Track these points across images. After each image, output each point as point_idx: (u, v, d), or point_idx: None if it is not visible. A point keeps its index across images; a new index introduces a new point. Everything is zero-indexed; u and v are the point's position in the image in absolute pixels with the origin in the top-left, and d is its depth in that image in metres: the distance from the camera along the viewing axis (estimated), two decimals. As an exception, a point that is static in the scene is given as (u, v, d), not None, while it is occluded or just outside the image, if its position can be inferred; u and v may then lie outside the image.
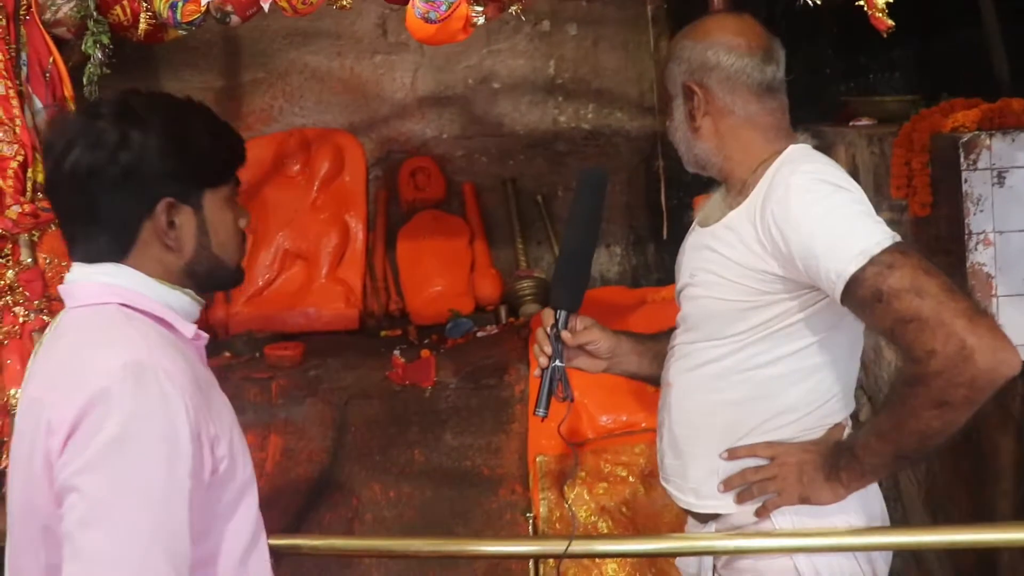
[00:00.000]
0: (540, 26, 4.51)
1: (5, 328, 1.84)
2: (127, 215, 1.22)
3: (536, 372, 1.60)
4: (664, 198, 4.02)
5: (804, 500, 1.52)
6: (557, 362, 1.59)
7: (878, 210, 1.50)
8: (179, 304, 1.27)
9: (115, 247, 1.23)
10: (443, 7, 1.56)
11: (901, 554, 2.62)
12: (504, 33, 4.51)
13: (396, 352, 3.81)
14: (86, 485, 1.08)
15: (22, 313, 1.87)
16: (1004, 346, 1.29)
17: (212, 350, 3.95)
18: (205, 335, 1.33)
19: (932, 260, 1.43)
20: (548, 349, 1.60)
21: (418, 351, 3.83)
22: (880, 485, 1.64)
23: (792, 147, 1.57)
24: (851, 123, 3.40)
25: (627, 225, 4.59)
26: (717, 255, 1.56)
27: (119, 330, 1.17)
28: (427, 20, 1.58)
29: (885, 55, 4.24)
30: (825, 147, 3.52)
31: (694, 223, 1.72)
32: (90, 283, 1.23)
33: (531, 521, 3.01)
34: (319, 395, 3.66)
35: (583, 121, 4.63)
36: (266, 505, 3.17)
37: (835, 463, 1.49)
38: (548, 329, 1.60)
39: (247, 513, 1.27)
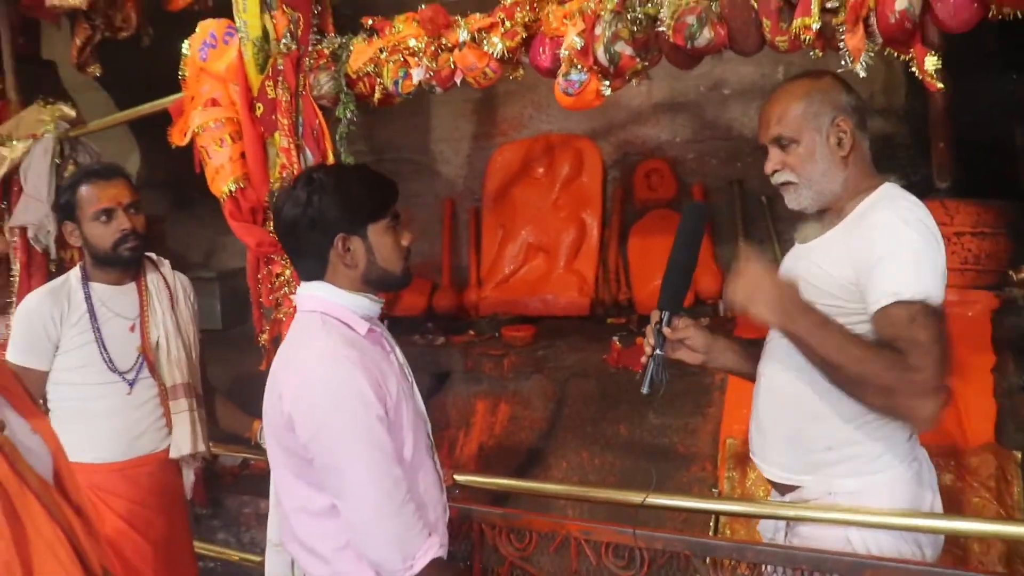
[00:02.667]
0: (768, 35, 4.71)
1: (284, 309, 2.59)
2: (318, 247, 1.77)
3: (643, 359, 2.03)
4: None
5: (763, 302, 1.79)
6: (658, 351, 2.00)
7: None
8: (360, 306, 1.81)
9: (316, 269, 1.80)
10: (576, 85, 2.03)
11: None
12: (734, 43, 4.77)
13: (615, 338, 4.23)
14: (323, 442, 1.67)
15: (295, 299, 2.60)
16: (935, 411, 1.67)
17: (462, 327, 4.60)
18: (377, 328, 1.88)
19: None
20: (653, 341, 2.02)
21: (635, 338, 4.26)
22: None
23: (888, 184, 1.89)
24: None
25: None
26: (810, 263, 1.91)
27: (318, 333, 1.75)
28: (566, 94, 2.06)
29: None
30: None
31: (796, 243, 2.07)
32: (306, 296, 1.84)
33: (716, 494, 3.36)
34: (544, 372, 4.21)
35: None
36: (493, 461, 3.78)
37: (799, 306, 1.77)
38: (654, 325, 2.03)
39: (414, 440, 1.80)
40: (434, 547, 1.73)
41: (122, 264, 2.56)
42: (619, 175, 5.13)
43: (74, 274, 2.59)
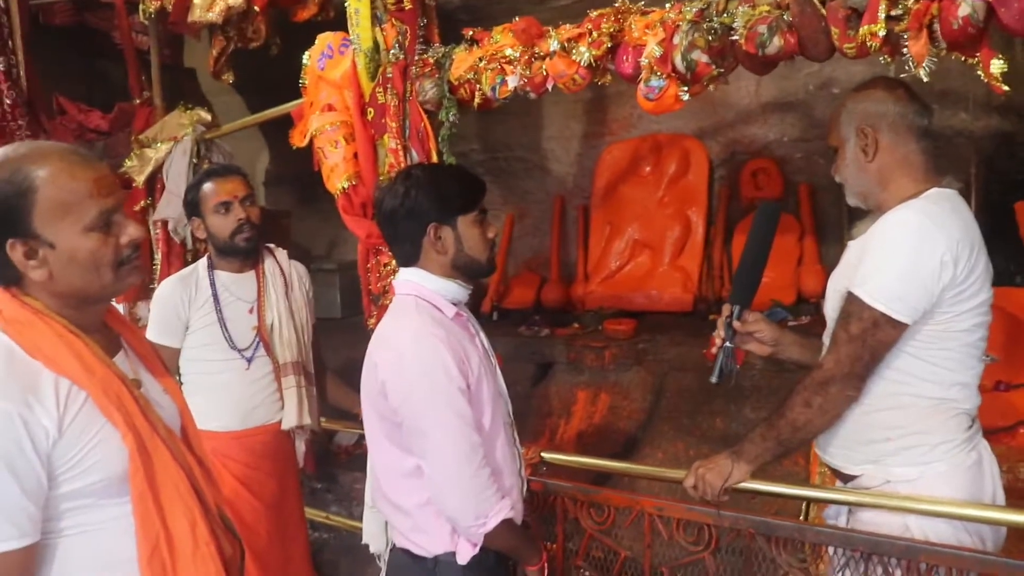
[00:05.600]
0: (880, 32, 4.66)
1: (391, 296, 2.78)
2: (413, 235, 1.97)
3: (713, 350, 2.15)
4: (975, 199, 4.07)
5: (723, 479, 2.11)
6: (728, 344, 2.12)
7: None
8: (449, 290, 2.00)
9: (411, 255, 2.00)
10: (656, 91, 2.16)
11: None
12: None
13: (714, 333, 4.31)
14: (411, 407, 1.87)
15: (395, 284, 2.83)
16: (839, 396, 1.94)
17: (567, 320, 4.75)
18: (463, 312, 2.07)
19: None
20: (723, 334, 2.13)
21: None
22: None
23: (935, 190, 1.95)
24: None
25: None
26: (850, 259, 2.02)
27: (411, 313, 1.95)
28: (647, 99, 2.20)
29: None
30: None
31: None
32: (403, 281, 2.04)
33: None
34: (644, 364, 4.33)
35: (931, 134, 4.68)
36: (591, 448, 3.91)
37: (737, 449, 2.11)
38: (724, 319, 2.14)
39: (493, 413, 1.98)
40: (506, 509, 1.91)
41: (240, 253, 2.85)
42: (726, 174, 5.17)
43: (202, 264, 2.91)
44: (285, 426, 2.84)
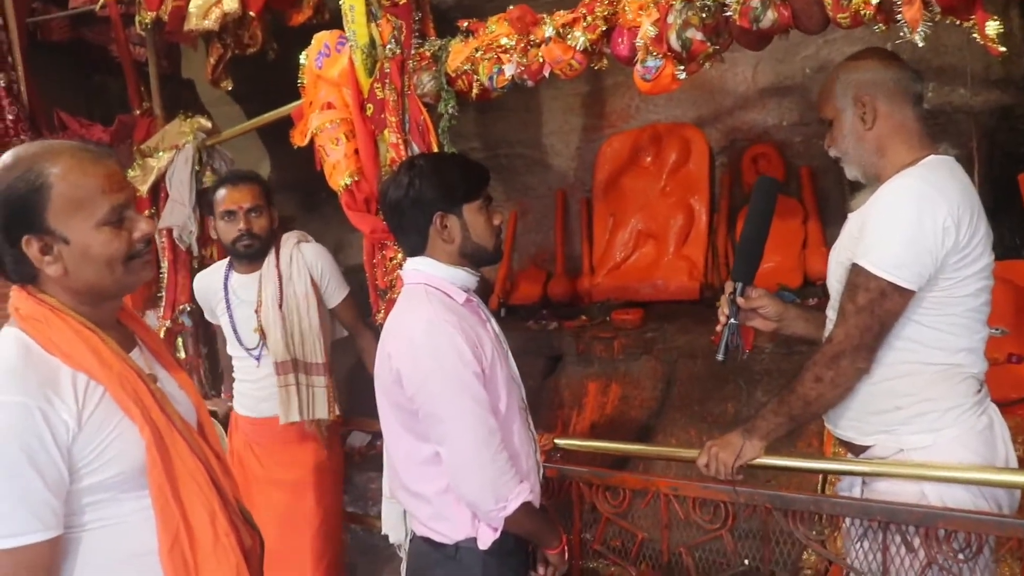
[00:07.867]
0: (876, 12, 4.65)
1: (398, 290, 2.79)
2: (419, 224, 1.98)
3: (718, 328, 2.15)
4: (978, 173, 4.06)
5: (735, 456, 2.13)
6: (732, 320, 2.12)
7: None
8: (458, 278, 2.01)
9: (418, 244, 2.01)
10: (653, 71, 2.17)
11: None
12: (840, 22, 4.73)
13: (719, 312, 4.31)
14: (427, 394, 1.88)
15: (402, 273, 2.85)
16: (850, 368, 1.93)
17: (575, 313, 4.74)
18: (473, 298, 2.07)
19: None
20: (727, 311, 2.14)
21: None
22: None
23: (932, 157, 1.95)
24: None
25: (965, 200, 4.60)
26: (850, 229, 2.02)
27: (422, 301, 1.95)
28: (644, 79, 2.20)
29: None
30: None
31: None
32: (411, 270, 2.04)
33: (820, 470, 3.41)
34: (653, 353, 4.33)
35: (924, 101, 4.69)
36: (604, 438, 3.92)
37: (749, 426, 2.12)
38: (727, 296, 2.14)
39: (507, 397, 1.99)
40: (525, 492, 1.91)
41: (243, 257, 2.96)
42: (727, 161, 5.16)
43: (225, 263, 3.07)
44: (281, 421, 2.90)
